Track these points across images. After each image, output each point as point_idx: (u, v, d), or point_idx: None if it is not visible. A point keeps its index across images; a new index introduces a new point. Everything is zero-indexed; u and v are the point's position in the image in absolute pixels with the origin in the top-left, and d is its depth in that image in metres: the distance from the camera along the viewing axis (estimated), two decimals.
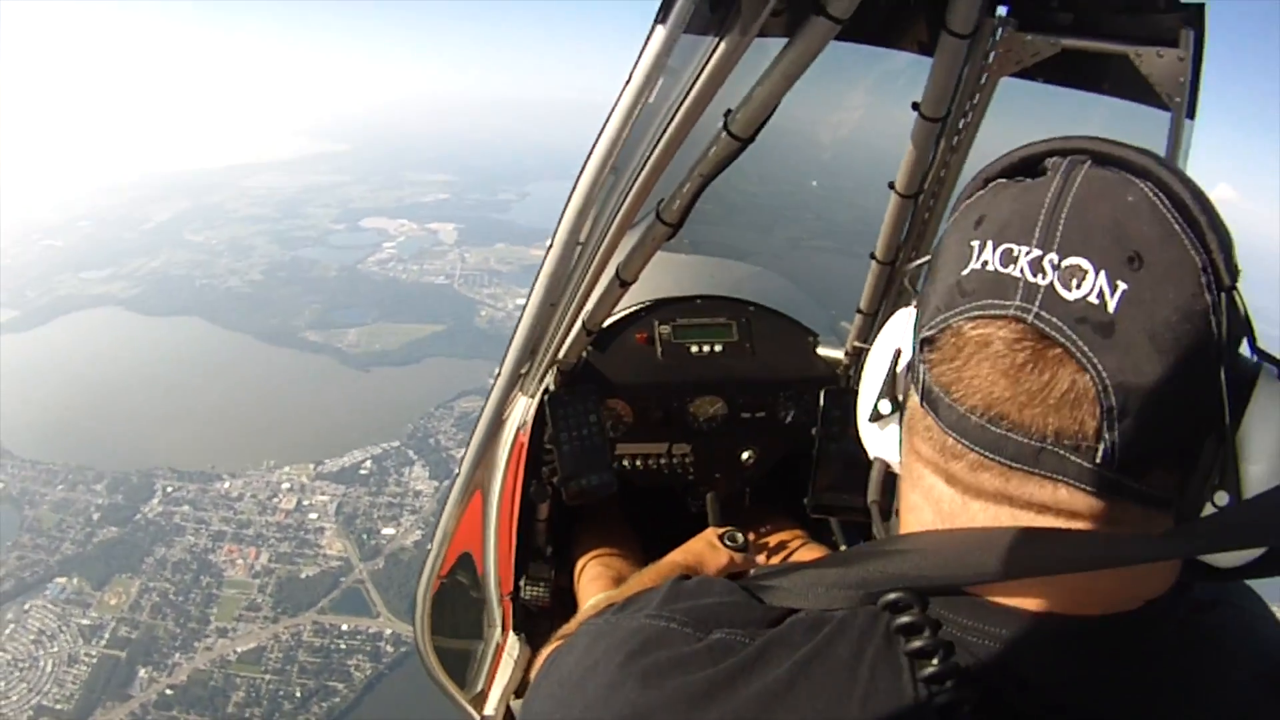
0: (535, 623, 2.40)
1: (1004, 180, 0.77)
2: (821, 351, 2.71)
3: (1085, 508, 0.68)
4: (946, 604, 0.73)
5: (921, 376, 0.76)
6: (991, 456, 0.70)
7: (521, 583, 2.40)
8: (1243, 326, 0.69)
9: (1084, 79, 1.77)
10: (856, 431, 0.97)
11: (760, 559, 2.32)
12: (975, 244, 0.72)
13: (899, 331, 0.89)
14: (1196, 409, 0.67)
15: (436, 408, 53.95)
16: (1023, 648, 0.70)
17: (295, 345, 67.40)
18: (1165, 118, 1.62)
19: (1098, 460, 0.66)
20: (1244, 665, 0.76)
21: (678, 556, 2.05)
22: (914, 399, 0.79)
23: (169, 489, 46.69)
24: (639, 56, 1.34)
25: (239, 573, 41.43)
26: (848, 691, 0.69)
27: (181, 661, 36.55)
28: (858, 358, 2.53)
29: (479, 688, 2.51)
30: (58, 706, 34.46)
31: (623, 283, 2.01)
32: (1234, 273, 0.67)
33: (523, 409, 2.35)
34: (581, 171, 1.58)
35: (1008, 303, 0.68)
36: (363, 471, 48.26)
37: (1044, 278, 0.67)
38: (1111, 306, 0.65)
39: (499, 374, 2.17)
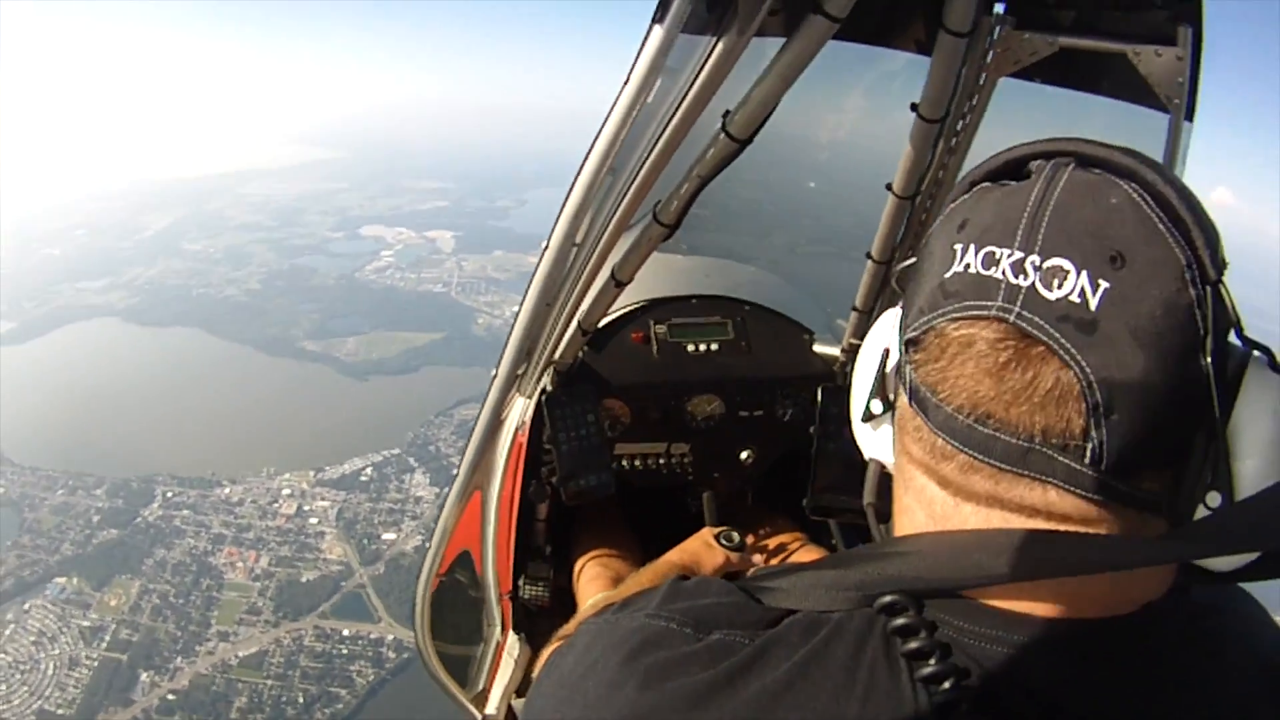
0: (535, 622, 2.40)
1: (988, 184, 0.77)
2: (818, 349, 2.71)
3: (1075, 511, 0.69)
4: (942, 607, 0.73)
5: (908, 377, 0.77)
6: (980, 457, 0.70)
7: (520, 582, 2.39)
8: (1231, 320, 0.69)
9: (1083, 80, 1.78)
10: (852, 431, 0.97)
11: (759, 560, 2.32)
12: (959, 247, 0.73)
13: (887, 332, 0.89)
14: (1185, 403, 0.67)
15: (436, 415, 53.87)
16: (1020, 650, 0.70)
17: (293, 355, 67.32)
18: (1164, 120, 1.63)
19: (1086, 460, 0.66)
20: (1241, 668, 0.76)
21: (674, 556, 2.06)
22: (903, 399, 0.80)
23: (169, 494, 46.70)
24: (636, 56, 1.34)
25: (239, 576, 41.37)
26: (846, 692, 0.70)
27: (183, 665, 36.39)
28: (854, 355, 2.52)
29: (480, 686, 2.50)
30: (59, 711, 34.26)
31: (618, 283, 2.01)
32: (1220, 266, 0.67)
33: (521, 409, 2.35)
34: (579, 172, 1.58)
35: (990, 303, 0.69)
36: (363, 478, 48.21)
37: (1025, 279, 0.67)
38: (1093, 305, 0.65)
39: (496, 374, 2.17)
